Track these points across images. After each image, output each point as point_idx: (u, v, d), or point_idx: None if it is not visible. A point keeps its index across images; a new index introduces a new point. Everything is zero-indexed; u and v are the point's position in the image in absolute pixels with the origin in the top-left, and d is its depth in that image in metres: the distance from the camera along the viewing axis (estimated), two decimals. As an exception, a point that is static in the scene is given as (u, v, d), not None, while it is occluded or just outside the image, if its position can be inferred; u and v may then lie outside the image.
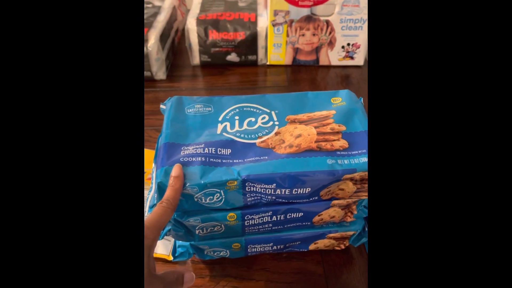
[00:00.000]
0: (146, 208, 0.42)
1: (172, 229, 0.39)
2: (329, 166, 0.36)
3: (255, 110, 0.43)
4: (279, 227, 0.42)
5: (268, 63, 0.79)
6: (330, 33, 0.74)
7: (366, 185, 0.38)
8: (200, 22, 0.74)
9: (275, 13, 0.72)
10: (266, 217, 0.40)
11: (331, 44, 0.76)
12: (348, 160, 0.37)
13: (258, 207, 0.39)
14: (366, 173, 0.36)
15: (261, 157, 0.37)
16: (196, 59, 0.78)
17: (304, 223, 0.42)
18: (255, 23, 0.74)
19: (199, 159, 0.37)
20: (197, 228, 0.39)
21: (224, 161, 0.37)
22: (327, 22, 0.72)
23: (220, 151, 0.38)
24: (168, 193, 0.34)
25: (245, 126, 0.41)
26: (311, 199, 0.38)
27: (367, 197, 0.40)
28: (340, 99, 0.45)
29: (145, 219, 0.32)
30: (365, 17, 0.72)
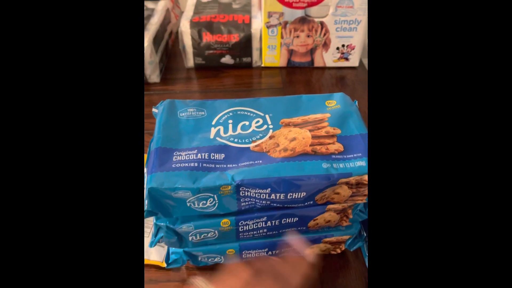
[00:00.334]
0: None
1: (164, 236, 0.38)
2: (324, 170, 0.36)
3: (248, 113, 0.43)
4: (274, 232, 0.41)
5: (262, 65, 0.79)
6: (324, 34, 0.74)
7: (362, 189, 0.37)
8: (194, 24, 0.73)
9: (269, 14, 0.71)
10: (261, 223, 0.39)
11: (325, 45, 0.75)
12: (344, 164, 0.36)
13: (252, 212, 0.38)
14: (362, 177, 0.36)
15: (255, 161, 0.37)
16: (190, 61, 0.77)
17: (299, 228, 0.41)
18: (249, 25, 0.74)
19: (192, 164, 0.36)
20: (190, 234, 0.39)
21: (217, 166, 0.36)
22: (322, 23, 0.72)
23: (213, 156, 0.37)
24: None
25: (238, 130, 0.40)
26: (306, 203, 0.38)
27: (362, 202, 0.39)
28: (335, 102, 0.44)
29: None
30: (359, 18, 0.71)
